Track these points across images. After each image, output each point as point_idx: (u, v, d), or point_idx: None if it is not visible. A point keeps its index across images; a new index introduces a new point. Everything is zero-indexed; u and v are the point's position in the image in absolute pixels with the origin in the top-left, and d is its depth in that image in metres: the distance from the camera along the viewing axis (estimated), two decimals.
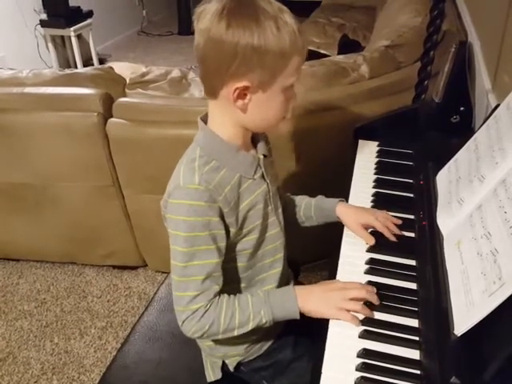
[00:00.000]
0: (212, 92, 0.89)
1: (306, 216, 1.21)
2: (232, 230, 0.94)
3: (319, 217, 1.19)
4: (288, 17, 0.83)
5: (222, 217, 0.91)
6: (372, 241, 1.07)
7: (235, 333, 0.94)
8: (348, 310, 0.90)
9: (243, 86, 0.84)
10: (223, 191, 0.90)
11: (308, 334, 1.12)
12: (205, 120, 0.96)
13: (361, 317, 0.90)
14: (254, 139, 1.00)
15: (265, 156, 0.99)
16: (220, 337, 0.94)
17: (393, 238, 1.08)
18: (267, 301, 0.94)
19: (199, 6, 0.84)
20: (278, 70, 0.84)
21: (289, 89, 0.89)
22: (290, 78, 0.87)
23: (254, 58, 0.81)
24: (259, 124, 0.93)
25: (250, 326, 0.93)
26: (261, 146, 1.00)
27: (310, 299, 0.94)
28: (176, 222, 0.89)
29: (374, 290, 0.93)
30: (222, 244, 0.92)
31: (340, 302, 0.91)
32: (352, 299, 0.91)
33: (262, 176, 0.99)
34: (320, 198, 1.21)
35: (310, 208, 1.20)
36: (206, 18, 0.82)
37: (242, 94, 0.85)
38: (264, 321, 0.93)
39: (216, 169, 0.91)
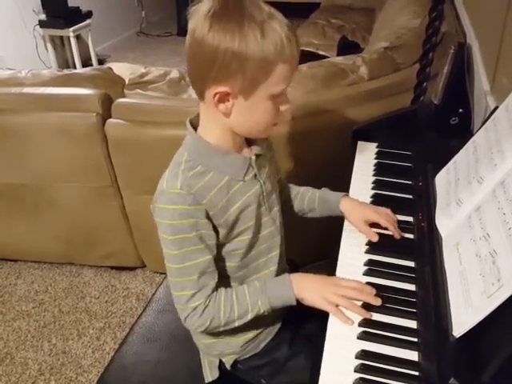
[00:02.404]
0: (198, 93, 0.89)
1: (309, 208, 1.21)
2: (221, 231, 0.95)
3: (322, 209, 1.19)
4: (277, 23, 0.80)
5: (208, 218, 0.91)
6: (375, 238, 1.07)
7: (236, 324, 0.96)
8: (338, 305, 0.91)
9: (223, 91, 0.83)
10: (208, 195, 0.90)
11: (304, 332, 1.13)
12: (195, 121, 0.95)
13: (357, 317, 0.90)
14: (250, 139, 0.99)
15: (258, 156, 0.98)
16: (222, 329, 0.97)
17: (396, 235, 1.07)
18: (264, 291, 0.95)
19: (193, 4, 0.83)
20: (260, 77, 0.82)
21: (278, 96, 0.86)
22: (276, 87, 0.84)
23: (233, 64, 0.79)
24: (246, 129, 0.92)
25: (250, 317, 0.96)
26: (255, 146, 0.99)
27: (305, 287, 0.96)
28: (163, 226, 0.90)
29: (373, 291, 0.93)
30: (212, 242, 0.93)
31: (330, 295, 0.92)
32: (344, 296, 0.92)
33: (255, 177, 0.98)
34: (324, 190, 1.21)
35: (314, 200, 1.19)
36: (194, 19, 0.81)
37: (224, 98, 0.84)
38: (262, 310, 0.96)
39: (201, 174, 0.91)
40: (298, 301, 0.96)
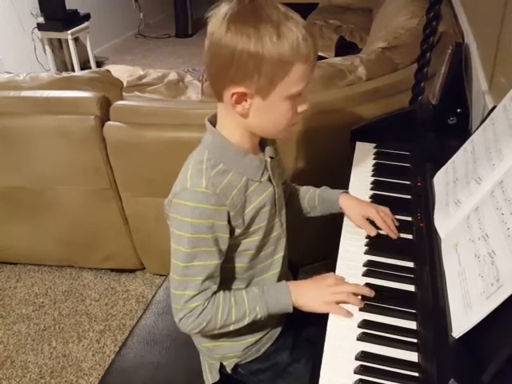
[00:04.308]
0: (217, 95, 0.89)
1: (310, 206, 1.22)
2: (238, 231, 0.95)
3: (323, 207, 1.21)
4: (293, 24, 0.81)
5: (228, 220, 0.92)
6: (373, 232, 1.08)
7: (231, 328, 0.96)
8: (338, 303, 0.92)
9: (241, 91, 0.84)
10: (230, 195, 0.91)
11: (306, 336, 1.13)
12: (213, 121, 0.95)
13: (357, 319, 0.90)
14: (262, 142, 1.00)
15: (272, 158, 0.99)
16: (216, 332, 0.97)
17: (391, 235, 1.08)
18: (262, 297, 0.96)
19: (211, 8, 0.84)
20: (276, 77, 0.82)
21: (296, 97, 0.87)
22: (294, 87, 0.85)
23: (250, 64, 0.80)
24: (264, 130, 0.93)
25: (246, 322, 0.96)
26: (268, 148, 1.00)
27: (302, 294, 0.97)
28: (181, 223, 0.90)
29: (372, 293, 0.94)
30: (224, 246, 0.94)
31: (329, 296, 0.93)
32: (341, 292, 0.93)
33: (269, 179, 0.99)
34: (324, 188, 1.22)
35: (314, 198, 1.21)
36: (212, 22, 0.83)
37: (241, 99, 0.85)
38: (259, 316, 0.96)
39: (223, 172, 0.91)
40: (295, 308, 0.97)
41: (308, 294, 0.96)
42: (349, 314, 0.90)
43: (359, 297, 0.93)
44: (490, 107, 1.21)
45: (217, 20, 0.82)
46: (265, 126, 0.91)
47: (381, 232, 1.09)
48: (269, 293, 0.97)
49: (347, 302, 0.92)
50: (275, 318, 1.02)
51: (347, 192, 1.20)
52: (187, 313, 0.93)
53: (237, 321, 0.95)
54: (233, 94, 0.84)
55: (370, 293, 0.93)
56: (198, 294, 0.92)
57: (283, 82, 0.83)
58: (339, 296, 0.93)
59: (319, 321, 0.92)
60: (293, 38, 0.80)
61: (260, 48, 0.79)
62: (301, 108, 0.90)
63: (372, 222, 1.11)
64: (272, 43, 0.79)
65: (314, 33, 0.85)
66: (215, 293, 0.95)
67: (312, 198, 1.21)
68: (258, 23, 0.79)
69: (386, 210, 1.13)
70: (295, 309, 0.97)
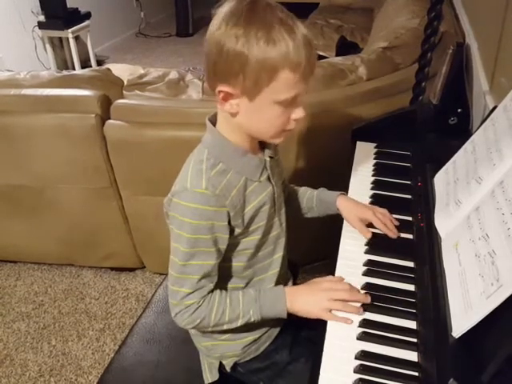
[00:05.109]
0: (213, 93, 0.89)
1: (308, 207, 1.22)
2: (237, 230, 0.95)
3: (320, 209, 1.21)
4: (287, 30, 0.80)
5: (228, 221, 0.92)
6: (368, 234, 1.08)
7: (225, 327, 0.97)
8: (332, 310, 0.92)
9: (226, 90, 0.84)
10: (230, 195, 0.91)
11: (305, 335, 1.13)
12: (213, 120, 0.95)
13: (357, 318, 0.90)
14: (262, 141, 0.99)
15: (271, 157, 0.99)
16: (210, 329, 0.98)
17: (391, 235, 1.08)
18: (257, 301, 0.96)
19: (216, 7, 0.85)
20: (262, 81, 0.81)
21: (288, 104, 0.85)
22: (282, 93, 0.83)
23: (235, 64, 0.80)
24: (255, 132, 0.92)
25: (239, 323, 0.97)
26: (268, 147, 1.00)
27: (298, 299, 0.97)
28: (181, 223, 0.90)
29: (369, 299, 0.93)
30: (223, 246, 0.94)
31: (325, 302, 0.93)
32: (338, 299, 0.93)
33: (268, 178, 0.99)
34: (322, 190, 1.22)
35: (312, 199, 1.21)
36: (212, 20, 0.84)
37: (228, 97, 0.85)
38: (253, 319, 0.97)
39: (222, 172, 0.91)
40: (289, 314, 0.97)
41: (303, 299, 0.96)
42: (348, 321, 0.90)
43: (356, 303, 0.92)
44: (490, 107, 1.21)
45: (215, 18, 0.83)
46: (255, 128, 0.91)
47: (379, 232, 1.09)
48: (264, 297, 0.97)
49: (344, 311, 0.92)
50: (277, 325, 1.02)
51: (345, 194, 1.20)
52: (183, 309, 0.94)
53: (230, 321, 0.96)
54: (219, 92, 0.85)
55: (366, 299, 0.93)
56: (193, 291, 0.93)
57: (270, 86, 0.82)
58: (335, 304, 0.92)
59: (318, 320, 0.92)
60: (282, 44, 0.79)
61: (246, 50, 0.79)
62: (295, 115, 0.88)
63: (371, 224, 1.11)
64: (258, 47, 0.78)
65: (311, 43, 0.84)
66: (212, 291, 0.95)
67: (310, 199, 1.22)
68: (249, 25, 0.79)
69: (384, 211, 1.13)
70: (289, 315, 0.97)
